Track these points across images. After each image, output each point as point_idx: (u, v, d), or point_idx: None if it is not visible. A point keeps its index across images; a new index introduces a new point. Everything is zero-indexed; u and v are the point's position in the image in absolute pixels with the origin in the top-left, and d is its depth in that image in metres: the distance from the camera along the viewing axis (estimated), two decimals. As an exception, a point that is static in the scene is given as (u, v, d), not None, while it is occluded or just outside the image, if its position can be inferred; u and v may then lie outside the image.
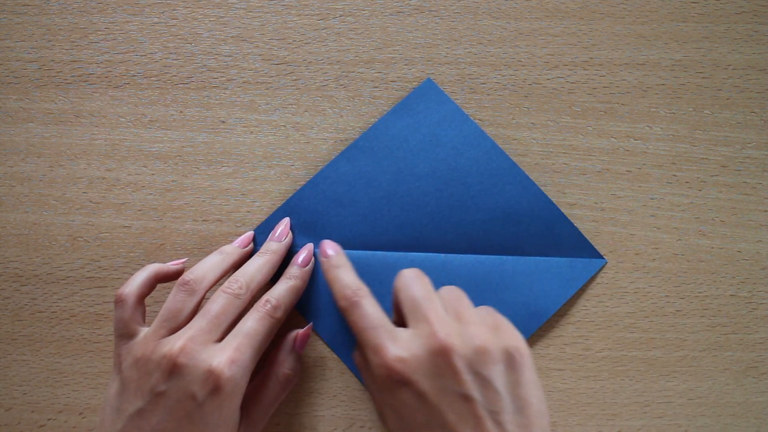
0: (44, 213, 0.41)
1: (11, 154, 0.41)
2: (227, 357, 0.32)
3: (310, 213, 0.40)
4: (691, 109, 0.42)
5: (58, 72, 0.42)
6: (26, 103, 0.41)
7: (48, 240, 0.41)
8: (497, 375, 0.30)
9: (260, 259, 0.37)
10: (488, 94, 0.42)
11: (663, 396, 0.39)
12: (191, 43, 0.42)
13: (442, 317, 0.32)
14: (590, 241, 0.40)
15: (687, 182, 0.41)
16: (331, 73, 0.42)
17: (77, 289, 0.40)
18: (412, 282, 0.34)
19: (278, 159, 0.41)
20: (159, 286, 0.39)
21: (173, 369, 0.31)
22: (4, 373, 0.40)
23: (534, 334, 0.40)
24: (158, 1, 0.42)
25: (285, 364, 0.37)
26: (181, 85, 0.42)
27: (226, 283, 0.35)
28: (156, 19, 0.42)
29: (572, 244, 0.40)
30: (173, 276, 0.37)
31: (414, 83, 0.41)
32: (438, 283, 0.39)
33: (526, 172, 0.41)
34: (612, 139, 0.41)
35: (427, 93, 0.41)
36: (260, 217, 0.41)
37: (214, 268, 0.36)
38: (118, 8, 0.42)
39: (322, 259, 0.38)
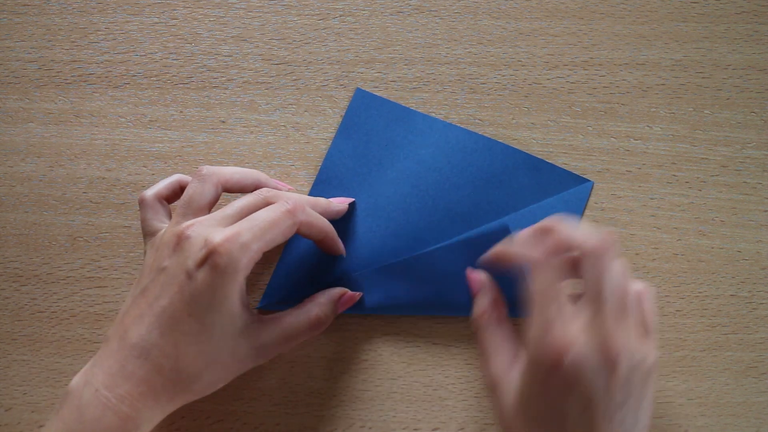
0: (44, 213, 0.41)
1: (11, 154, 0.41)
2: (227, 234, 0.31)
3: (305, 249, 0.40)
4: (691, 109, 0.42)
5: (58, 72, 0.42)
6: (26, 103, 0.42)
7: (48, 240, 0.41)
8: (637, 391, 0.30)
9: (302, 195, 0.37)
10: (488, 94, 0.42)
11: (663, 396, 0.39)
12: (191, 43, 0.42)
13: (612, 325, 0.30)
14: (590, 241, 0.40)
15: (687, 182, 0.41)
16: (331, 73, 0.42)
17: (77, 289, 0.40)
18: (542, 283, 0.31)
19: (278, 159, 0.41)
20: None
21: (178, 243, 0.31)
22: (4, 373, 0.40)
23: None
24: (158, 1, 0.42)
25: (321, 308, 0.35)
26: (181, 85, 0.42)
27: (261, 189, 0.35)
28: (156, 19, 0.42)
29: (555, 180, 0.40)
30: None
31: (414, 83, 0.41)
32: (459, 267, 0.39)
33: (526, 172, 0.41)
34: (612, 139, 0.41)
35: (363, 102, 0.41)
36: (260, 217, 0.41)
37: (234, 170, 0.36)
38: (118, 8, 0.42)
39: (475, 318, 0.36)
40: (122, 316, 0.32)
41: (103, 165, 0.41)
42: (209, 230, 0.31)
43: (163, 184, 0.37)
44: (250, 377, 0.39)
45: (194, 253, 0.31)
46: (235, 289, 0.31)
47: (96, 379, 0.30)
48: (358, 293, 0.38)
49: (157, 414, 0.31)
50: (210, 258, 0.30)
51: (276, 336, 0.33)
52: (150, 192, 0.36)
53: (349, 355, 0.40)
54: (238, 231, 0.31)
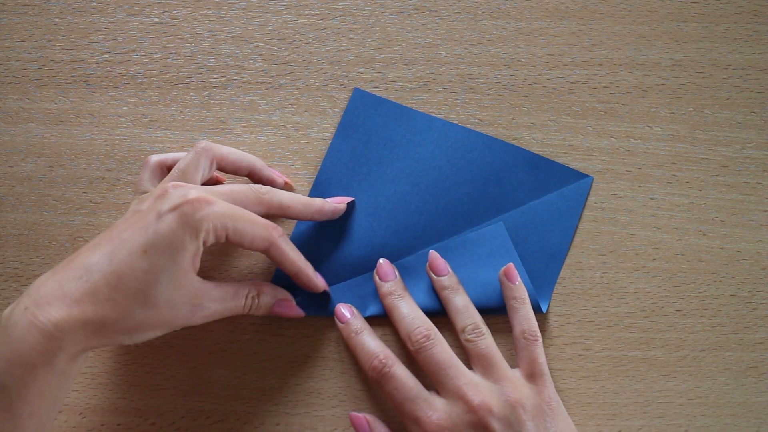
0: (44, 213, 0.41)
1: (11, 154, 0.41)
2: (205, 195, 0.32)
3: (307, 250, 0.39)
4: (691, 109, 0.42)
5: (58, 72, 0.42)
6: (26, 103, 0.42)
7: (48, 240, 0.41)
8: (532, 429, 0.33)
9: (298, 194, 0.38)
10: (488, 94, 0.42)
11: (663, 396, 0.39)
12: (191, 43, 0.42)
13: (472, 382, 0.34)
14: (590, 241, 0.40)
15: (687, 182, 0.41)
16: (331, 73, 0.42)
17: (77, 289, 0.40)
18: (432, 346, 0.35)
19: (278, 159, 0.41)
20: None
21: (161, 194, 0.32)
22: (4, 373, 0.40)
23: (534, 334, 0.40)
24: (158, 1, 0.42)
25: (262, 294, 0.36)
26: (181, 85, 0.42)
27: (260, 185, 0.36)
28: (156, 19, 0.42)
29: (555, 176, 0.40)
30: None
31: (414, 83, 0.42)
32: (457, 263, 0.39)
33: (526, 172, 0.41)
34: (612, 139, 0.41)
35: (361, 102, 0.41)
36: (260, 217, 0.40)
37: (231, 150, 0.37)
38: (118, 8, 0.42)
39: (340, 325, 0.38)
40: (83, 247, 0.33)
41: (103, 165, 0.41)
42: (191, 188, 0.33)
43: (171, 155, 0.38)
44: (250, 377, 0.39)
45: (170, 200, 0.32)
46: (192, 245, 0.32)
47: (28, 299, 0.30)
48: (298, 310, 0.38)
49: (80, 342, 0.30)
50: (182, 206, 0.31)
51: (212, 302, 0.34)
52: (156, 156, 0.37)
53: (349, 355, 0.40)
54: (215, 200, 0.32)
